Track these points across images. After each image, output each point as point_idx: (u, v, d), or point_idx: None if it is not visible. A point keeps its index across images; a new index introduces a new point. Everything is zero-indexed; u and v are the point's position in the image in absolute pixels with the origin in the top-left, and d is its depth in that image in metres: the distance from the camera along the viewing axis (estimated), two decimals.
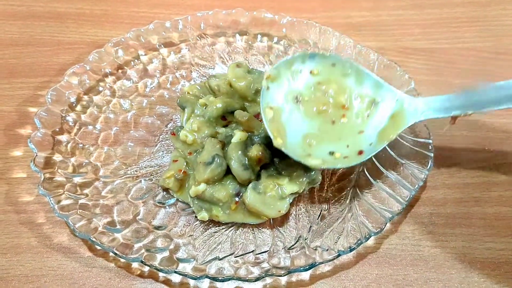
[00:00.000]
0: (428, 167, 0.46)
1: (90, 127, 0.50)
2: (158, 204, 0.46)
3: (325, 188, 0.47)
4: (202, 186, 0.43)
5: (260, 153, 0.44)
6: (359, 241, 0.41)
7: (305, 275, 0.42)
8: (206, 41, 0.59)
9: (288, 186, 0.44)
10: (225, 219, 0.44)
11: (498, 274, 0.43)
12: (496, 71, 0.60)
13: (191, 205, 0.45)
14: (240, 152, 0.44)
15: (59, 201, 0.42)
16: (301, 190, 0.45)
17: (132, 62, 0.56)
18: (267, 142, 0.46)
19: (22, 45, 0.61)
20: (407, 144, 0.49)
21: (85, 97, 0.52)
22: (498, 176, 0.50)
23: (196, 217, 0.44)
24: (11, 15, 0.64)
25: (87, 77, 0.53)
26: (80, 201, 0.43)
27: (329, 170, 0.49)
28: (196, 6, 0.66)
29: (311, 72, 0.45)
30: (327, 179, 0.48)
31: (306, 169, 0.45)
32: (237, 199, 0.44)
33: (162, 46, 0.58)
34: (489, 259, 0.44)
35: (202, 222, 0.44)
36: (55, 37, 0.62)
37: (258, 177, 0.45)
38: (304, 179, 0.45)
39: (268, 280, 0.42)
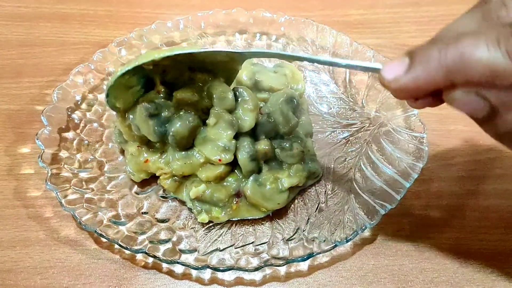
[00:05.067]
0: (423, 160, 0.47)
1: (95, 124, 0.52)
2: (161, 198, 0.47)
3: (323, 181, 0.49)
4: (202, 187, 0.44)
5: (267, 147, 0.45)
6: (355, 232, 0.42)
7: (304, 266, 0.44)
8: (207, 40, 0.60)
9: (287, 179, 0.45)
10: (226, 219, 0.45)
11: (491, 264, 0.44)
12: None
13: (191, 208, 0.45)
14: (246, 143, 0.45)
15: (65, 196, 0.44)
16: (301, 184, 0.46)
17: None
18: (271, 136, 0.47)
19: (29, 45, 0.62)
20: (402, 138, 0.50)
21: (90, 96, 0.54)
22: (492, 169, 0.51)
23: None
24: (18, 17, 0.66)
25: (91, 76, 0.54)
26: (86, 196, 0.45)
27: (327, 165, 0.50)
28: (197, 6, 0.67)
29: None
30: (326, 173, 0.49)
31: (305, 162, 0.47)
32: (237, 199, 0.45)
33: (164, 45, 0.59)
34: (483, 250, 0.45)
35: None
36: (60, 37, 0.63)
37: (259, 171, 0.46)
38: (303, 172, 0.46)
39: (268, 270, 0.43)
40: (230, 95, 0.45)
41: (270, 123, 0.47)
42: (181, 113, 0.44)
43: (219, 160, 0.44)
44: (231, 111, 0.45)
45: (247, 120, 0.45)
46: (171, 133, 0.43)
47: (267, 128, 0.47)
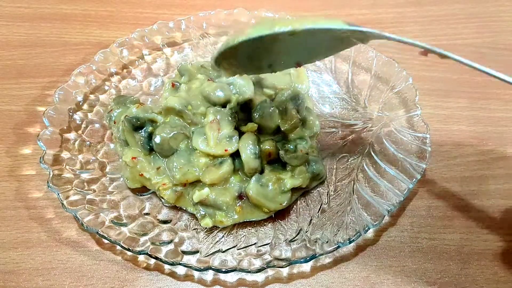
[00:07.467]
0: (426, 161, 0.47)
1: (97, 125, 0.52)
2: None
3: (326, 182, 0.48)
4: (206, 190, 0.44)
5: (272, 147, 0.45)
6: (358, 234, 0.42)
7: (306, 267, 0.44)
8: (209, 40, 0.60)
9: (290, 180, 0.45)
10: (230, 223, 0.44)
11: (495, 265, 0.44)
12: (494, 66, 0.60)
13: (194, 212, 0.45)
14: (251, 141, 0.45)
15: (67, 197, 0.44)
16: (305, 185, 0.46)
17: (136, 62, 0.57)
18: (272, 133, 0.47)
19: (30, 46, 0.62)
20: (405, 138, 0.50)
21: (92, 96, 0.54)
22: (495, 169, 0.50)
23: None
24: (19, 17, 0.66)
25: (93, 77, 0.54)
26: (88, 197, 0.45)
27: (329, 166, 0.50)
28: (199, 6, 0.67)
29: None
30: (329, 174, 0.49)
31: (309, 164, 0.46)
32: (239, 201, 0.45)
33: (166, 45, 0.59)
34: (486, 250, 0.45)
35: None
36: (61, 38, 0.63)
37: (261, 171, 0.46)
38: (307, 174, 0.46)
39: (270, 271, 0.43)
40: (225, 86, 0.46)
41: (273, 118, 0.46)
42: (167, 120, 0.46)
43: (226, 150, 0.44)
44: (224, 105, 0.47)
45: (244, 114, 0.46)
46: (155, 142, 0.44)
47: (269, 122, 0.46)
